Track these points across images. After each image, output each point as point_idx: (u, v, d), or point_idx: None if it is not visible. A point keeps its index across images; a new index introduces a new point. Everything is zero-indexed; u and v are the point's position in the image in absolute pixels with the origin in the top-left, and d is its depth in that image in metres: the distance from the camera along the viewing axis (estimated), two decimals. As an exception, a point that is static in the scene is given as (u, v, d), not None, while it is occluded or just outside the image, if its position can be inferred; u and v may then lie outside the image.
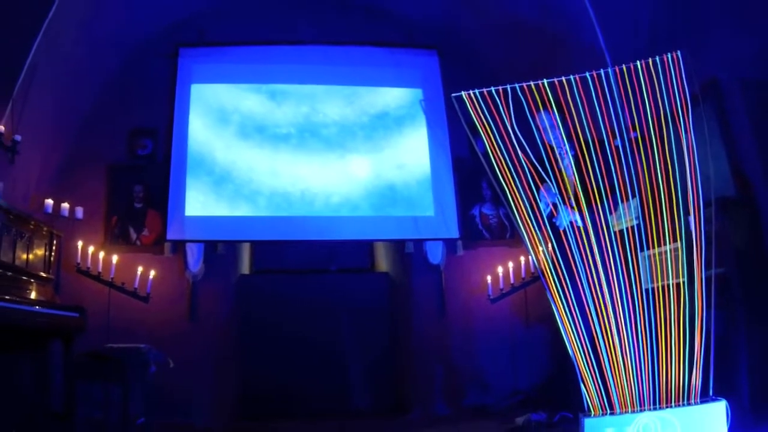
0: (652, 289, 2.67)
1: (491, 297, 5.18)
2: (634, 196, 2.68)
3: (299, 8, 5.84)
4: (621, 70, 2.67)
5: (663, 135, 2.62)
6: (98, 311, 4.53)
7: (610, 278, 2.61)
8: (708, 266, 2.52)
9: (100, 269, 4.84)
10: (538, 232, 2.75)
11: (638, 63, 2.64)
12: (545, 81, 2.70)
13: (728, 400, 2.47)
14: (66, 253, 4.70)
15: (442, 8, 5.73)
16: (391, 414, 5.13)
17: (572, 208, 2.93)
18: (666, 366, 2.52)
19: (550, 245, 2.80)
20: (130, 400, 3.77)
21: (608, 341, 2.57)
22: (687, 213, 2.59)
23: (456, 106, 2.78)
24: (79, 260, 4.82)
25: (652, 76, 2.62)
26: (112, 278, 4.82)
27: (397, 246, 5.71)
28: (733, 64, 3.38)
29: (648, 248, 2.65)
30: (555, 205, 3.08)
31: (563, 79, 2.71)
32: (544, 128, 3.17)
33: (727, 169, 3.37)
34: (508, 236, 5.61)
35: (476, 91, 2.76)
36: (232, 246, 5.50)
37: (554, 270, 2.67)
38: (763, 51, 3.20)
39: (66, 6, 4.25)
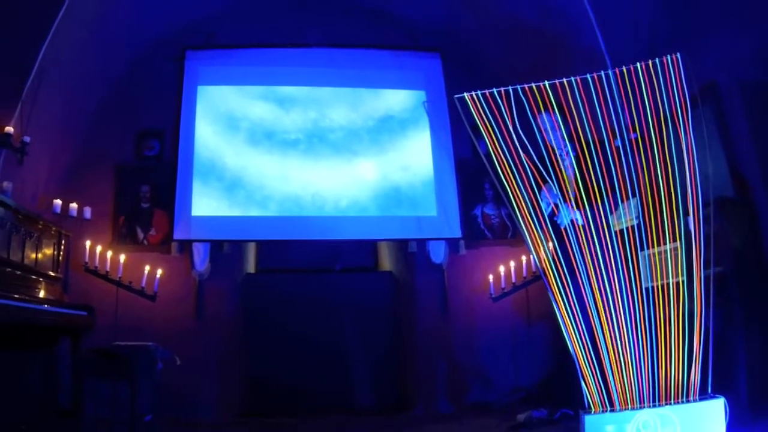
0: (652, 287, 2.68)
1: (493, 296, 5.21)
2: (634, 195, 2.69)
3: (305, 12, 5.87)
4: (621, 71, 2.68)
5: (663, 136, 2.64)
6: (106, 310, 4.59)
7: (611, 277, 2.63)
8: (707, 265, 2.54)
9: (107, 268, 4.89)
10: (539, 231, 2.77)
11: (638, 65, 2.65)
12: (546, 82, 2.72)
13: (726, 398, 2.48)
14: (74, 253, 4.75)
15: (445, 11, 5.76)
16: (394, 411, 5.16)
17: (573, 207, 2.97)
18: (665, 363, 2.54)
19: (551, 244, 2.83)
20: (138, 397, 3.80)
21: (608, 339, 2.58)
22: (686, 213, 2.61)
23: (459, 107, 2.79)
24: (87, 259, 4.86)
25: (652, 77, 2.64)
26: (119, 277, 4.87)
27: (401, 245, 5.74)
28: (732, 66, 3.39)
29: (648, 247, 2.67)
30: (556, 205, 3.11)
31: (564, 80, 2.72)
32: (546, 129, 3.21)
33: (725, 169, 3.38)
34: (509, 236, 5.65)
35: (478, 92, 2.77)
36: (238, 245, 5.55)
37: (555, 269, 2.69)
38: (761, 53, 3.22)
39: (75, 8, 4.28)
